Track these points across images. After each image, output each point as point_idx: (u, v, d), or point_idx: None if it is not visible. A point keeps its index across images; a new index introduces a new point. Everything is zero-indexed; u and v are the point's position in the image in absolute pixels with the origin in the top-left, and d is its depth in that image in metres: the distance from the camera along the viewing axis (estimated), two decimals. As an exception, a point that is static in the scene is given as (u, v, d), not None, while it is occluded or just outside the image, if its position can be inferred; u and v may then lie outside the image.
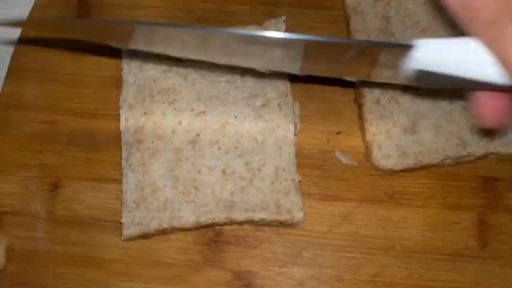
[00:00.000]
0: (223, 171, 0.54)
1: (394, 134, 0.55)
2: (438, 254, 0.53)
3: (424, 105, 0.56)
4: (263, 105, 0.57)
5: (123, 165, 0.55)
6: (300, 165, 0.56)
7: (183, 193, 0.53)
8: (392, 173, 0.55)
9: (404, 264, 0.53)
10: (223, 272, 0.53)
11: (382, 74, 0.43)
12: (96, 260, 0.54)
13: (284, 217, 0.52)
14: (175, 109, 0.57)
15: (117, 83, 0.60)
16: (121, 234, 0.53)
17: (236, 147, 0.55)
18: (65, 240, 0.54)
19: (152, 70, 0.59)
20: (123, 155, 0.56)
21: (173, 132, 0.56)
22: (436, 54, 0.37)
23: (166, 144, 0.56)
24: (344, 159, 0.57)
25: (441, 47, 0.37)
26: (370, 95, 0.57)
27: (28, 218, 0.55)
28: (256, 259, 0.53)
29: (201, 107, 0.57)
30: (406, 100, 0.56)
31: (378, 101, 0.56)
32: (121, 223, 0.53)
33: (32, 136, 0.59)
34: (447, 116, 0.55)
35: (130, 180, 0.54)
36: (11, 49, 0.64)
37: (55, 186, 0.57)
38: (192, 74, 0.59)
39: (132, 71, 0.59)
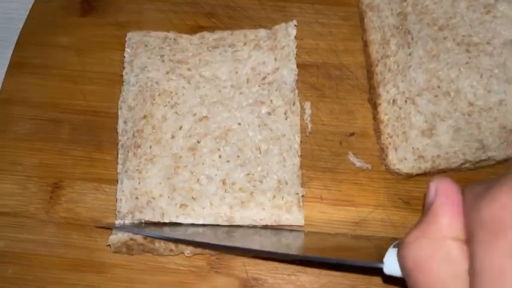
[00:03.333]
0: (223, 182, 0.51)
1: (411, 136, 0.52)
2: (455, 263, 0.50)
3: (442, 106, 0.53)
4: (268, 113, 0.54)
5: (118, 170, 0.53)
6: (310, 168, 0.54)
7: (180, 206, 0.51)
8: (409, 177, 0.53)
9: (420, 273, 0.50)
10: (230, 280, 0.51)
11: None
12: (98, 264, 0.51)
13: None
14: (176, 113, 0.54)
15: (122, 80, 0.58)
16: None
17: (238, 156, 0.52)
18: (65, 243, 0.52)
19: (155, 71, 0.56)
20: (119, 160, 0.53)
21: (173, 137, 0.53)
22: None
23: (164, 150, 0.53)
24: (357, 162, 0.54)
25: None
26: (386, 95, 0.54)
27: (28, 219, 0.53)
28: (264, 266, 0.51)
29: (204, 111, 0.54)
30: (424, 101, 0.53)
31: (394, 102, 0.54)
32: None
33: (32, 134, 0.57)
34: (466, 118, 0.52)
35: (125, 188, 0.52)
36: (12, 43, 0.62)
37: (56, 187, 0.55)
38: (196, 77, 0.56)
39: (134, 71, 0.57)
